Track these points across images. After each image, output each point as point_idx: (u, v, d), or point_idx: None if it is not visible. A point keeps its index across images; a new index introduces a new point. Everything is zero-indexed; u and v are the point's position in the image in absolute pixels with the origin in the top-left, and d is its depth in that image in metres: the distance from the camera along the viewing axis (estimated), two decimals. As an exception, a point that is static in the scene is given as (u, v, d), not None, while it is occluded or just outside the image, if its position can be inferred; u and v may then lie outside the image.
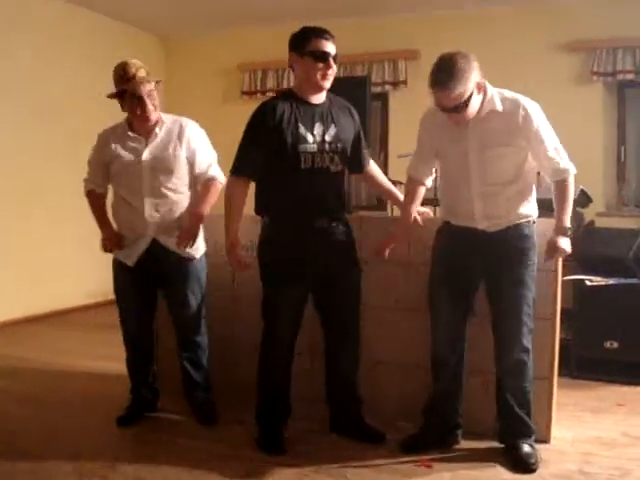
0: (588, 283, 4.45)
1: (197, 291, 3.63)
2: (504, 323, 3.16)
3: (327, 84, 3.17)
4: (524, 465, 3.10)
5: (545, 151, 3.05)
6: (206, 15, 7.24)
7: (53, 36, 6.68)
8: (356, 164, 3.40)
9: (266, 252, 3.25)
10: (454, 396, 3.32)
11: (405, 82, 7.10)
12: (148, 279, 3.59)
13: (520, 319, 3.12)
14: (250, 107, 7.94)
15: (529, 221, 3.15)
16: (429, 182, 3.40)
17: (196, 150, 3.57)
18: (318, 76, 3.12)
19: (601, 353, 4.47)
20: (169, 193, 3.51)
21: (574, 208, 5.51)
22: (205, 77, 7.89)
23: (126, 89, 3.42)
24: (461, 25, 6.64)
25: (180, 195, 3.55)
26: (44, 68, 6.59)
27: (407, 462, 3.18)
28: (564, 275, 4.08)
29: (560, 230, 3.07)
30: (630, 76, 6.44)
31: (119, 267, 3.63)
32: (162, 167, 3.49)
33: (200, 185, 3.62)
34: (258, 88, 7.74)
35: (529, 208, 3.16)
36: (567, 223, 3.07)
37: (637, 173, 6.94)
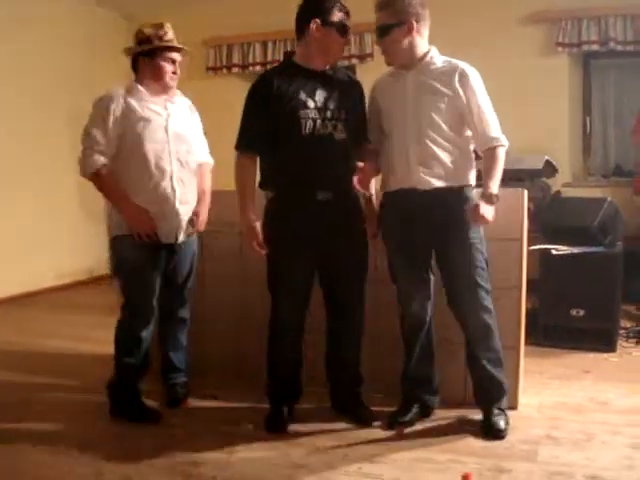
0: (554, 252, 4.49)
1: (194, 264, 3.61)
2: (459, 289, 3.15)
3: (339, 57, 3.26)
4: (495, 433, 3.15)
5: (478, 115, 3.08)
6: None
7: (8, 14, 6.49)
8: (360, 135, 3.27)
9: (270, 226, 3.19)
10: (431, 362, 3.33)
11: (372, 55, 7.07)
12: (162, 254, 3.42)
13: (476, 282, 3.11)
14: (216, 83, 7.97)
15: (470, 185, 3.17)
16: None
17: (199, 131, 3.60)
18: (337, 49, 3.16)
19: (567, 321, 4.53)
20: (187, 165, 3.44)
21: (540, 178, 5.62)
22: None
23: (160, 49, 3.35)
24: (427, -2, 6.61)
25: (192, 170, 3.49)
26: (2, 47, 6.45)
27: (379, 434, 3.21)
28: (530, 245, 4.14)
29: (484, 196, 2.99)
30: (595, 47, 6.45)
31: (134, 245, 3.31)
32: (184, 136, 3.44)
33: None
34: (224, 64, 7.68)
35: (468, 175, 3.17)
36: (493, 189, 3.00)
37: (603, 143, 7.01)
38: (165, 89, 3.42)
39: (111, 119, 3.27)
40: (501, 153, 3.08)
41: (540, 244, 4.57)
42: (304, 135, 3.09)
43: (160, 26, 3.40)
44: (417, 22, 3.09)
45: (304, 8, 3.17)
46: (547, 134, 6.25)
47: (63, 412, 3.58)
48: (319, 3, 3.14)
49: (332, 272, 3.26)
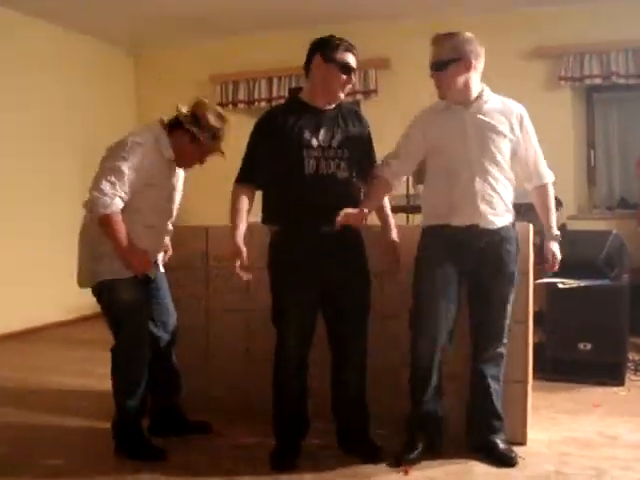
0: (560, 286, 4.49)
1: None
2: (491, 321, 3.22)
3: (342, 96, 3.20)
4: (507, 459, 3.19)
5: (534, 153, 3.22)
6: (176, 28, 7.25)
7: (14, 50, 6.59)
8: (365, 176, 3.30)
9: (274, 259, 3.22)
10: (440, 398, 3.31)
11: (376, 91, 7.16)
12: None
13: (506, 317, 3.21)
14: (222, 119, 7.95)
15: (513, 224, 3.23)
16: (397, 185, 3.39)
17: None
18: (338, 86, 3.15)
19: (575, 355, 4.51)
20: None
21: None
22: (176, 89, 7.83)
23: (204, 145, 3.34)
24: (429, 35, 6.66)
25: None
26: (8, 83, 6.53)
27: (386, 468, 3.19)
28: (536, 278, 4.14)
29: (553, 237, 3.25)
30: (598, 80, 6.52)
31: (132, 283, 3.33)
32: (179, 196, 3.56)
33: None
34: (230, 100, 7.75)
35: (511, 209, 3.23)
36: (556, 229, 3.26)
37: (607, 176, 7.05)
38: (179, 165, 3.48)
39: (141, 171, 3.23)
40: (552, 189, 3.31)
41: (547, 277, 4.57)
42: (307, 174, 3.11)
43: (224, 121, 3.38)
44: (475, 59, 3.12)
45: (311, 45, 3.21)
46: (552, 167, 6.19)
47: (66, 449, 3.56)
48: (324, 40, 3.17)
49: (335, 306, 3.25)
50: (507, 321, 3.23)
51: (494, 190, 3.12)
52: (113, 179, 3.18)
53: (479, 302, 3.23)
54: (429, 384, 3.24)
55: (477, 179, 3.10)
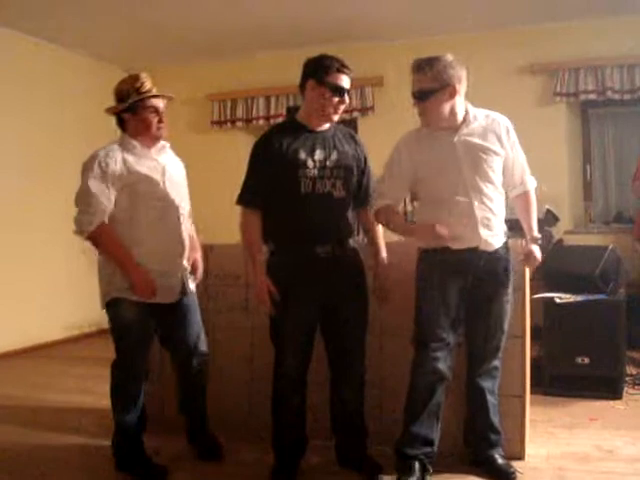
0: (557, 301, 4.52)
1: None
2: (489, 337, 3.23)
3: (336, 117, 3.21)
4: (505, 474, 3.20)
5: (520, 163, 3.24)
6: (174, 47, 7.30)
7: (13, 70, 6.63)
8: (360, 197, 3.34)
9: (273, 279, 3.21)
10: (438, 422, 3.25)
11: (372, 108, 7.21)
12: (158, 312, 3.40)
13: (504, 333, 3.24)
14: (220, 137, 8.08)
15: (507, 241, 3.25)
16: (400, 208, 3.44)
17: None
18: (331, 109, 3.15)
19: (573, 369, 4.53)
20: (185, 217, 3.49)
21: (542, 227, 5.66)
22: (174, 107, 7.89)
23: (142, 101, 3.31)
24: (425, 52, 6.66)
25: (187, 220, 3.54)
26: (8, 103, 6.57)
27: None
28: (534, 293, 4.18)
29: (534, 239, 3.24)
30: (593, 96, 6.57)
31: (134, 305, 3.29)
32: (181, 189, 3.50)
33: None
34: (228, 118, 7.78)
35: (505, 227, 3.26)
36: (536, 232, 3.25)
37: (603, 191, 7.08)
38: (154, 140, 3.40)
39: (110, 176, 3.24)
40: (534, 194, 3.31)
41: (544, 292, 4.60)
42: (303, 194, 3.13)
43: (136, 78, 3.35)
44: (459, 84, 3.08)
45: (304, 66, 3.23)
46: (548, 183, 6.25)
47: (66, 468, 3.57)
48: (317, 62, 3.18)
49: (333, 323, 3.27)
50: (504, 336, 3.25)
51: (491, 212, 3.14)
52: (86, 198, 3.22)
53: (477, 318, 3.24)
54: (427, 406, 3.20)
55: (476, 204, 3.09)
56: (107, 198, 3.23)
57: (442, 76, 3.03)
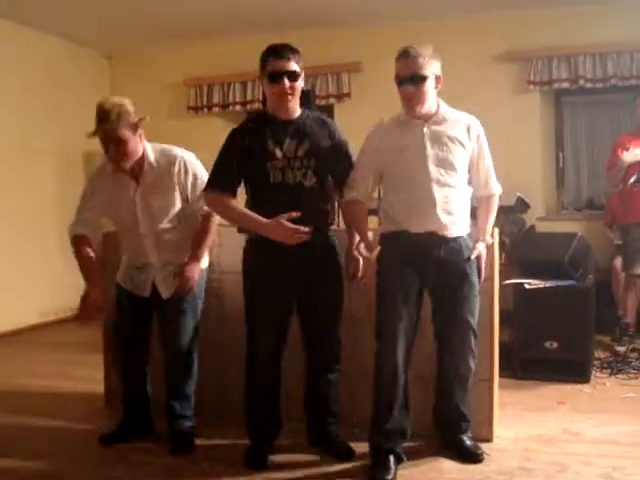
0: (527, 286, 4.61)
1: (193, 309, 3.56)
2: (457, 334, 3.26)
3: (288, 103, 3.18)
4: (473, 456, 3.29)
5: (485, 163, 3.30)
6: (150, 30, 7.28)
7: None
8: (339, 180, 3.34)
9: (247, 265, 3.29)
10: (407, 413, 3.30)
11: (349, 94, 7.25)
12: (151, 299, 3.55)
13: (473, 329, 3.26)
14: (196, 122, 8.09)
15: (470, 233, 3.30)
16: (373, 200, 3.45)
17: (188, 183, 3.48)
18: (279, 94, 3.16)
19: (542, 353, 4.63)
20: (166, 230, 3.49)
21: (514, 213, 5.78)
22: (151, 93, 7.87)
23: (99, 131, 3.32)
24: (401, 38, 6.64)
25: (177, 229, 3.52)
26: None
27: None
28: (505, 279, 4.26)
29: (484, 240, 3.31)
30: (566, 84, 6.67)
31: (125, 291, 3.58)
32: (156, 207, 3.46)
33: (198, 219, 3.51)
34: (204, 103, 7.79)
35: (469, 218, 3.30)
36: (489, 236, 3.34)
37: (575, 178, 7.19)
38: (121, 165, 3.41)
39: (92, 194, 3.51)
40: (497, 201, 3.39)
41: (515, 278, 4.69)
42: (272, 184, 3.17)
43: (98, 105, 3.33)
44: (441, 74, 3.19)
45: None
46: (521, 170, 6.39)
47: (46, 452, 3.59)
48: (260, 57, 3.21)
49: (308, 308, 3.32)
50: (473, 326, 3.27)
51: (453, 198, 3.18)
52: (77, 207, 3.54)
53: (445, 316, 3.27)
54: (393, 399, 3.23)
55: (435, 187, 3.14)
56: (91, 214, 3.52)
57: (433, 65, 3.12)
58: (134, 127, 3.34)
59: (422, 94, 3.12)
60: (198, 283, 3.53)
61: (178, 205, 3.48)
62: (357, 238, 3.33)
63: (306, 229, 3.10)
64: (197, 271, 3.48)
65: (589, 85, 6.57)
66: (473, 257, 3.23)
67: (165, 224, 3.48)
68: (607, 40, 6.38)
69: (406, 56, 3.11)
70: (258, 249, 3.25)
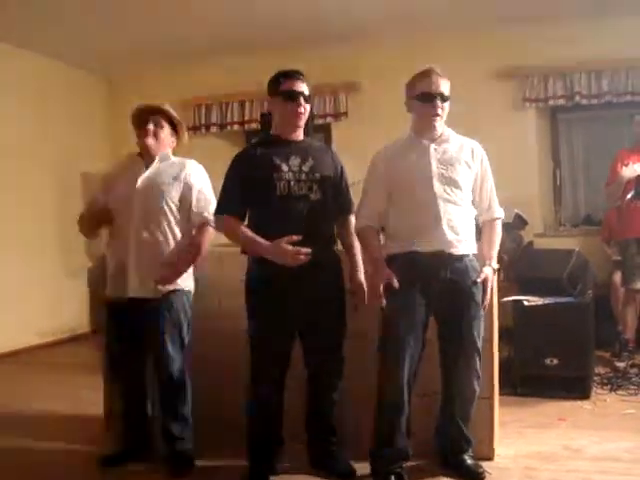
0: (526, 303, 4.62)
1: (175, 333, 3.52)
2: (464, 355, 3.26)
3: (300, 122, 3.29)
4: (474, 475, 3.28)
5: (489, 188, 3.35)
6: (148, 53, 7.34)
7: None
8: (341, 205, 3.42)
9: (251, 287, 3.29)
10: (408, 435, 3.30)
11: (346, 114, 7.28)
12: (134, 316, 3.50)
13: (478, 350, 3.28)
14: (195, 142, 8.11)
15: (476, 255, 3.31)
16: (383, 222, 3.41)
17: (193, 189, 3.53)
18: (290, 115, 3.25)
19: (542, 370, 4.62)
20: (152, 242, 3.48)
21: (512, 230, 5.79)
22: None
23: (141, 114, 3.57)
24: (399, 57, 6.79)
25: (163, 244, 3.51)
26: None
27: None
28: (504, 296, 4.27)
29: (492, 269, 3.31)
30: (562, 101, 6.71)
31: (110, 306, 3.61)
32: (152, 197, 3.49)
33: (194, 228, 3.57)
34: (203, 123, 7.83)
35: (474, 238, 3.32)
36: (495, 262, 3.34)
37: (572, 194, 7.21)
38: (146, 149, 3.57)
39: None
40: (500, 225, 3.43)
41: (514, 295, 4.69)
42: (279, 196, 3.20)
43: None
44: None
45: (267, 89, 3.35)
46: (518, 187, 6.39)
47: (46, 474, 3.58)
48: (270, 81, 3.33)
49: (312, 329, 3.31)
50: (480, 354, 3.28)
51: (458, 216, 3.21)
52: None
53: (452, 336, 3.26)
54: (398, 421, 3.23)
55: (440, 203, 3.17)
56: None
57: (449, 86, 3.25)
58: (176, 121, 3.63)
59: (444, 112, 3.24)
60: (183, 309, 3.54)
61: (175, 201, 3.51)
62: (360, 263, 3.39)
63: (307, 250, 3.11)
64: (173, 279, 3.47)
65: (585, 102, 6.61)
66: (480, 280, 3.24)
67: (153, 232, 3.48)
68: (602, 57, 6.41)
69: (434, 74, 3.22)
70: (261, 268, 3.25)
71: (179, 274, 3.48)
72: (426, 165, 3.22)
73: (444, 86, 3.22)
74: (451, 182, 3.21)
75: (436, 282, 3.19)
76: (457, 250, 3.20)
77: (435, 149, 3.24)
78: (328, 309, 3.30)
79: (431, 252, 3.17)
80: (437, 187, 3.19)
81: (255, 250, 3.23)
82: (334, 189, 3.36)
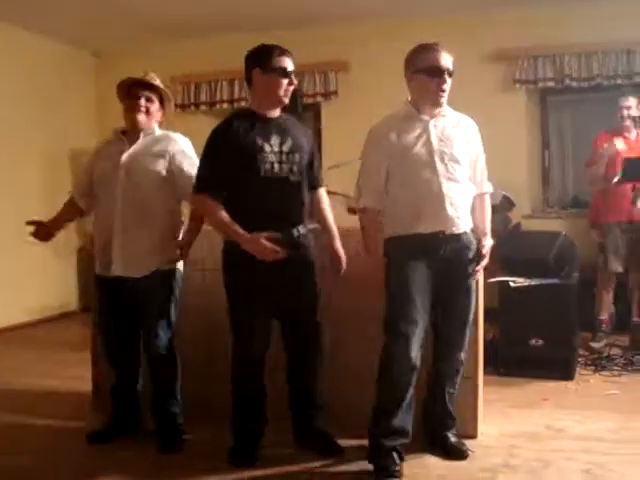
0: (512, 284, 4.65)
1: (164, 310, 3.53)
2: (454, 329, 3.30)
3: (287, 99, 3.30)
4: (458, 452, 3.34)
5: (481, 164, 3.37)
6: (138, 29, 7.28)
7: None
8: (312, 180, 3.44)
9: (229, 268, 3.30)
10: (411, 411, 3.26)
11: (336, 92, 7.23)
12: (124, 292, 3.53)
13: (468, 325, 3.32)
14: (183, 120, 8.08)
15: (472, 231, 3.33)
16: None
17: (180, 162, 3.50)
18: (281, 92, 3.24)
19: (527, 350, 4.67)
20: (142, 206, 3.47)
21: (500, 211, 5.80)
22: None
23: (131, 88, 3.56)
24: (389, 37, 6.79)
25: (153, 211, 3.50)
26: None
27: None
28: (490, 277, 4.29)
29: (488, 241, 3.33)
30: (551, 83, 6.70)
31: (99, 282, 3.62)
32: (137, 173, 3.47)
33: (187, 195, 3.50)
34: (191, 101, 7.79)
35: (470, 214, 3.33)
36: (490, 236, 3.37)
37: (561, 176, 7.23)
38: (134, 123, 3.54)
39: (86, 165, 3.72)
40: (489, 201, 3.46)
41: (500, 276, 4.72)
42: (262, 177, 3.21)
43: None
44: None
45: (246, 59, 3.30)
46: (507, 168, 6.41)
47: (34, 450, 3.60)
48: (258, 53, 3.27)
49: (287, 313, 3.37)
50: (469, 329, 3.33)
51: (458, 193, 3.20)
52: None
53: (443, 314, 3.29)
54: (404, 397, 3.19)
55: (444, 182, 3.16)
56: (83, 180, 3.72)
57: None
58: (165, 95, 3.63)
59: (446, 88, 3.21)
60: (171, 286, 3.56)
61: (161, 175, 3.48)
62: (336, 231, 3.47)
63: (282, 250, 3.14)
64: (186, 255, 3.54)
65: (574, 84, 6.60)
66: (485, 252, 3.28)
67: (139, 210, 3.47)
68: (592, 39, 6.40)
69: (441, 49, 3.19)
70: (238, 250, 3.22)
71: (189, 246, 3.54)
72: (427, 142, 3.20)
73: (450, 61, 3.20)
74: (452, 158, 3.20)
75: (437, 258, 3.19)
76: (457, 228, 3.21)
77: (435, 125, 3.22)
78: (303, 287, 3.35)
79: (433, 232, 3.17)
80: (439, 165, 3.17)
81: (232, 237, 3.22)
82: (307, 167, 3.39)
